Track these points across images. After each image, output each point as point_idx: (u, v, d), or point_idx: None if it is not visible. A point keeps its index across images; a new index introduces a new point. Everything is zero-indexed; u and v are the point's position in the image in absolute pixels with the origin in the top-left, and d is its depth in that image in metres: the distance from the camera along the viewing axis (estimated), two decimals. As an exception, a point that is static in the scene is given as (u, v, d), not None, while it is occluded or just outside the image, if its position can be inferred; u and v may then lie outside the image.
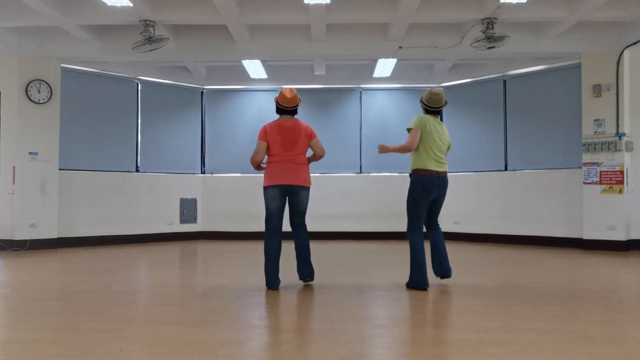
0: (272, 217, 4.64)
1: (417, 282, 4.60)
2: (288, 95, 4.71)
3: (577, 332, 3.19)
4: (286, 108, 4.73)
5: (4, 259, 6.81)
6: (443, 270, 4.81)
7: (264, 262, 4.62)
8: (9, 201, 7.85)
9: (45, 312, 3.83)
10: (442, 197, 4.76)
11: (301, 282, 4.89)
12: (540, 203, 8.44)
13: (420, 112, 4.85)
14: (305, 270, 4.73)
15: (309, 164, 4.81)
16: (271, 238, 4.61)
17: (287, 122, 4.70)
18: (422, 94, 10.01)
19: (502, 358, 2.69)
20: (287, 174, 4.60)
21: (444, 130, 4.80)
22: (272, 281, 4.58)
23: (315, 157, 4.82)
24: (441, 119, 4.91)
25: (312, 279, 4.79)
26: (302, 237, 4.75)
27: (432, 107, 4.73)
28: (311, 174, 4.85)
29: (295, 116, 4.84)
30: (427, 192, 4.58)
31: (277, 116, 4.87)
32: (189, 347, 2.87)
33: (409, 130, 4.63)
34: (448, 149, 4.83)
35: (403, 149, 4.63)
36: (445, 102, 4.80)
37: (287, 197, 4.68)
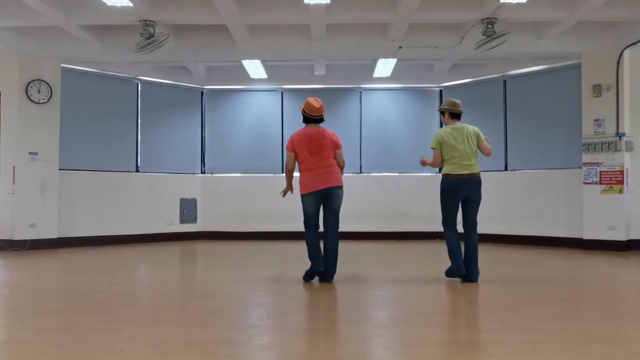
0: (310, 219, 5.00)
1: (451, 271, 4.96)
2: (316, 105, 5.00)
3: (577, 332, 3.20)
4: (313, 117, 5.02)
5: (4, 259, 6.81)
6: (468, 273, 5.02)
7: (307, 255, 4.98)
8: (9, 201, 7.85)
9: (45, 312, 3.83)
10: (474, 197, 4.97)
11: (301, 283, 4.94)
12: (540, 203, 8.44)
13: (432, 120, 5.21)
14: (329, 271, 4.96)
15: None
16: (310, 232, 4.99)
17: (313, 130, 4.99)
18: (422, 94, 10.13)
19: (502, 358, 2.69)
20: (319, 179, 4.90)
21: (466, 132, 5.01)
22: (318, 263, 4.90)
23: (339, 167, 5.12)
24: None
25: (331, 280, 4.99)
26: (333, 241, 4.99)
27: (453, 110, 5.11)
28: None
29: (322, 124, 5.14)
30: (451, 192, 4.93)
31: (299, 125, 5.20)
32: (189, 347, 2.87)
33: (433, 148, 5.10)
34: (480, 144, 5.05)
35: (432, 165, 5.14)
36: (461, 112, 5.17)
37: (322, 200, 4.96)
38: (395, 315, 3.83)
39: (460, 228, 5.01)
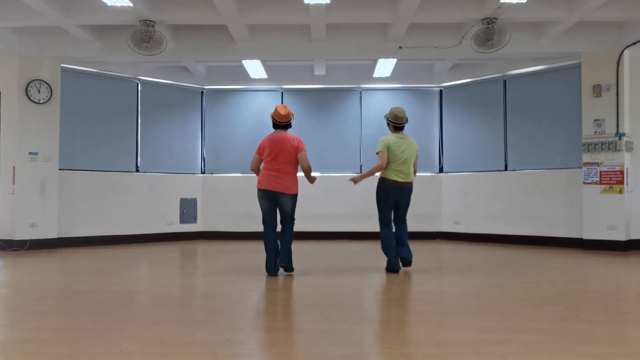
0: (266, 217, 5.44)
1: (389, 265, 5.54)
2: (282, 112, 5.39)
3: (577, 332, 3.19)
4: (280, 123, 5.41)
5: (4, 259, 6.81)
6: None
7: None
8: (9, 201, 7.85)
9: (45, 312, 3.83)
10: (404, 202, 5.63)
11: (301, 283, 4.94)
12: (540, 203, 8.44)
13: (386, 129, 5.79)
14: (282, 259, 5.38)
15: (305, 174, 5.48)
16: (267, 232, 5.42)
17: (276, 136, 5.37)
18: (422, 94, 10.13)
19: (502, 358, 2.69)
20: (271, 180, 5.29)
21: (408, 143, 5.56)
22: (270, 268, 5.34)
23: (303, 170, 5.44)
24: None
25: (287, 268, 5.40)
26: (285, 233, 5.43)
27: (397, 123, 5.58)
28: (311, 174, 5.48)
29: (290, 130, 5.52)
30: (387, 196, 5.57)
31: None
32: (189, 347, 2.87)
33: (377, 152, 5.56)
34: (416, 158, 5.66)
35: (375, 171, 5.58)
36: (406, 120, 5.62)
37: (273, 201, 5.34)
38: (394, 315, 3.83)
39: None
